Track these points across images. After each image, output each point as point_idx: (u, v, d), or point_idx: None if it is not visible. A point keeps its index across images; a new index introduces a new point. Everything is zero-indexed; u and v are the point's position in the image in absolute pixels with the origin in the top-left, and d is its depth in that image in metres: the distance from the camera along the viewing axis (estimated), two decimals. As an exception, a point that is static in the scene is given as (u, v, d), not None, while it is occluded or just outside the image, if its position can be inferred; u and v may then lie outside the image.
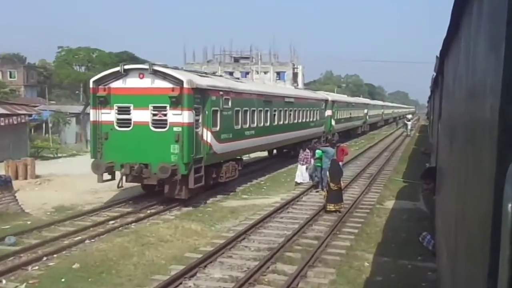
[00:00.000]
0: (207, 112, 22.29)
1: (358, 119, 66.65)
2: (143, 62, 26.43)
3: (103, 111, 21.93)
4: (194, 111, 21.24)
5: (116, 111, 21.75)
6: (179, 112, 20.85)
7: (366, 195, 25.04)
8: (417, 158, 39.65)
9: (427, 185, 17.63)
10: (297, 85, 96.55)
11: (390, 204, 23.21)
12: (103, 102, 21.86)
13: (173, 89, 20.79)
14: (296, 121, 36.00)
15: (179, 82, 20.81)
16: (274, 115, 31.18)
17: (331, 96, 52.47)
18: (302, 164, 28.24)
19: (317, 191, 25.55)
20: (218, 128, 23.50)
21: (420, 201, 22.54)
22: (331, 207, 21.04)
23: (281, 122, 32.65)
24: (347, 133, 60.65)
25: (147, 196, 23.99)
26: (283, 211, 21.52)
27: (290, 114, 34.64)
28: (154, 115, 21.24)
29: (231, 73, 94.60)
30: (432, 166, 19.20)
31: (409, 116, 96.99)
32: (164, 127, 21.11)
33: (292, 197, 23.96)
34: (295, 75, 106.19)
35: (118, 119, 21.76)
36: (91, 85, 21.98)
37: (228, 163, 24.88)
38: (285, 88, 43.50)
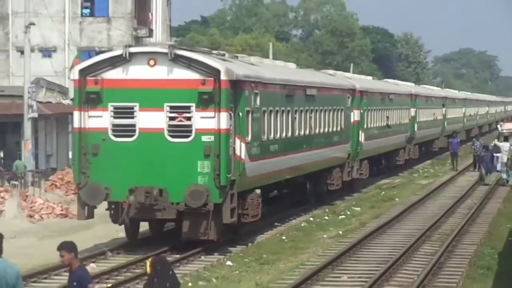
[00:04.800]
0: (240, 114, 17.58)
1: (399, 130, 38.30)
2: None
3: (91, 113, 16.91)
4: (231, 113, 17.01)
5: (112, 113, 16.92)
6: (211, 114, 16.63)
7: None
8: None
9: None
10: (146, 31, 39.78)
11: None
12: (93, 101, 16.85)
13: (204, 82, 16.48)
14: (318, 130, 24.20)
15: (214, 71, 16.62)
16: (295, 118, 22.05)
17: (358, 81, 31.42)
18: None
19: None
20: (250, 137, 18.28)
21: None
22: None
23: (302, 132, 22.74)
24: (379, 160, 36.27)
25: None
26: None
27: (311, 117, 23.58)
28: (172, 118, 16.75)
29: None
30: None
31: (505, 129, 40.72)
32: (188, 136, 16.69)
33: None
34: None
35: (114, 125, 16.93)
36: (75, 76, 16.95)
37: (253, 193, 18.51)
38: (297, 72, 26.31)
